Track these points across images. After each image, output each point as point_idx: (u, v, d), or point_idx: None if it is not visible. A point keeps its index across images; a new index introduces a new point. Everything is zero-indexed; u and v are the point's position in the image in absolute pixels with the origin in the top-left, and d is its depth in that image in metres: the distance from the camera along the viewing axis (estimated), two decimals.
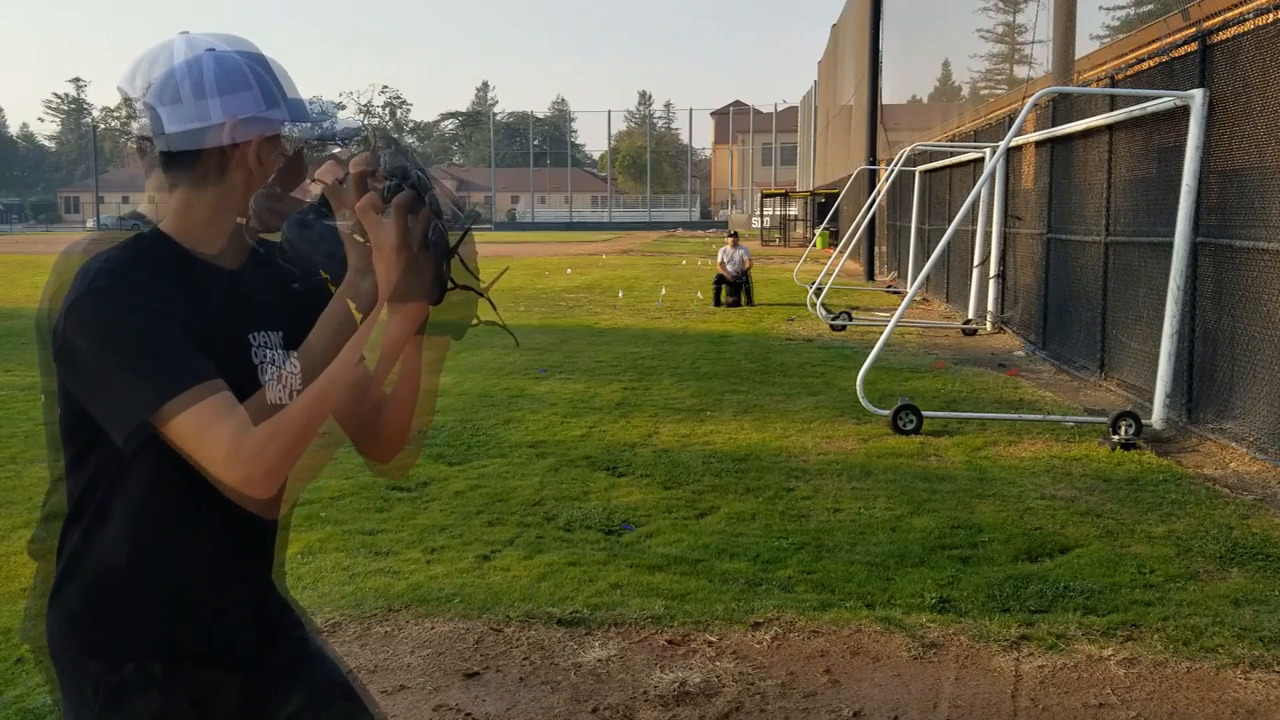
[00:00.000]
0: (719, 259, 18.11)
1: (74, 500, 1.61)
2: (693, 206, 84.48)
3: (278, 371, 1.61)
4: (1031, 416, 8.10)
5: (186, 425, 1.42)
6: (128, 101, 1.55)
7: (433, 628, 4.15)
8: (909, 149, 17.87)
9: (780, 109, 77.04)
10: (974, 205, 11.80)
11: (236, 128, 1.53)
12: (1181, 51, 8.23)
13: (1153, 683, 3.69)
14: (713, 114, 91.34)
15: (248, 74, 1.54)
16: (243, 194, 1.58)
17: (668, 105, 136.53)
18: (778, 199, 51.04)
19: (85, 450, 1.58)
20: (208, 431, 1.42)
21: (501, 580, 4.64)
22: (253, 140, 1.55)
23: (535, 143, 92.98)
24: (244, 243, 1.65)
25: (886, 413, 7.80)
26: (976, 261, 14.78)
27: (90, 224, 79.17)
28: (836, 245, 24.15)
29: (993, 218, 14.21)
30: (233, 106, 1.52)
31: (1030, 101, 8.82)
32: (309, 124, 1.58)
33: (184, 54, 1.53)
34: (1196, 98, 7.66)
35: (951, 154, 16.73)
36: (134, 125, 1.55)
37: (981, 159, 14.56)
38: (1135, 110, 8.78)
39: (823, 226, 28.51)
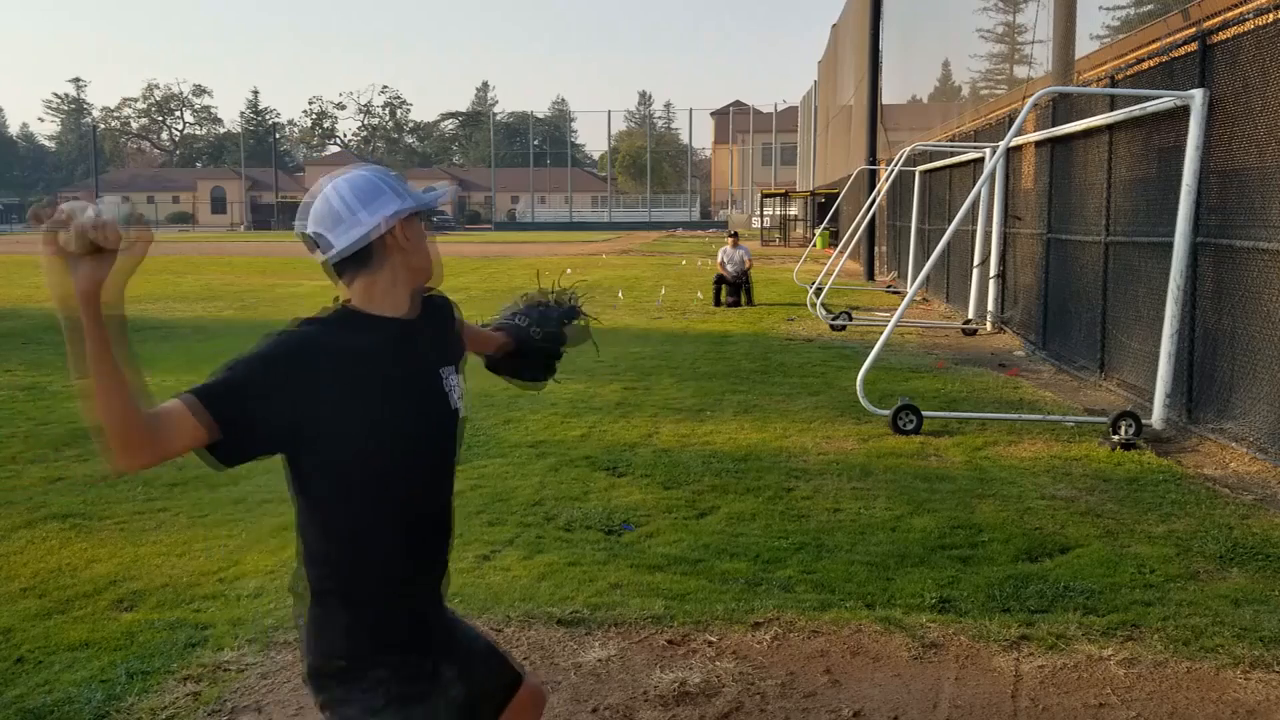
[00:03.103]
0: (719, 259, 18.11)
1: (303, 539, 2.02)
2: (693, 206, 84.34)
3: (457, 391, 2.17)
4: (1031, 416, 8.10)
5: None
6: (305, 238, 2.02)
7: None
8: (909, 149, 17.87)
9: (780, 109, 77.00)
10: (974, 205, 11.80)
11: (386, 221, 2.00)
12: (1181, 51, 8.22)
13: (1153, 683, 3.69)
14: (713, 114, 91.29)
15: (377, 182, 2.03)
16: (403, 266, 2.04)
17: (668, 105, 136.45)
18: (778, 199, 51.01)
19: (301, 495, 1.99)
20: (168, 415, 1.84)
21: (501, 580, 4.64)
22: (395, 227, 2.01)
23: (535, 143, 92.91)
24: (418, 298, 2.15)
25: (886, 413, 7.80)
26: (976, 261, 14.78)
27: None
28: (836, 245, 24.15)
29: (993, 218, 14.21)
30: (377, 209, 2.00)
31: (1030, 101, 8.82)
32: (425, 201, 2.06)
33: (326, 190, 2.02)
34: (1196, 98, 7.65)
35: (951, 154, 16.73)
36: (318, 254, 2.02)
37: (981, 159, 14.56)
38: (1135, 110, 8.78)
39: (823, 226, 28.52)
